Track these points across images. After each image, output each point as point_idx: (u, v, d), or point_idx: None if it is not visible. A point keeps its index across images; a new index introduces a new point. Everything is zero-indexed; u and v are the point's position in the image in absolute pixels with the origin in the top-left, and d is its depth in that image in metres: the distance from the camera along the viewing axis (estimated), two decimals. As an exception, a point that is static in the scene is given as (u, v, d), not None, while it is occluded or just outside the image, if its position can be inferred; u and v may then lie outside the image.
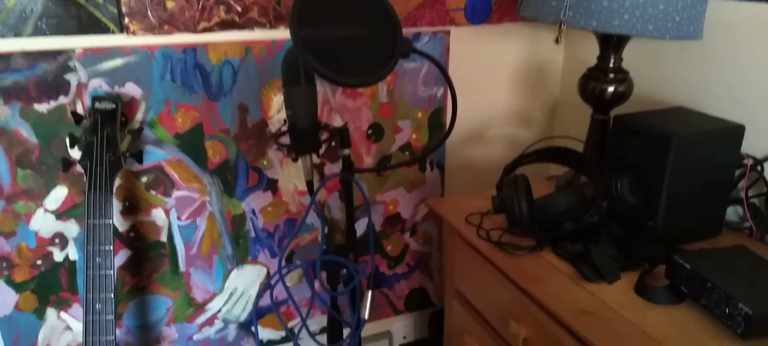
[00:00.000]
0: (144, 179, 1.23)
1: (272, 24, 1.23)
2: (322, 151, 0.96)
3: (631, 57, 1.31)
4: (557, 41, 1.04)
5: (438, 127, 1.49)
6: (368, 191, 1.47)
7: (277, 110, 1.30)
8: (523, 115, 1.61)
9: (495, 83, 1.54)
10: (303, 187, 1.39)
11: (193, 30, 1.17)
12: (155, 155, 1.23)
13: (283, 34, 1.25)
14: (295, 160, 1.00)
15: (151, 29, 1.14)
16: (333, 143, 1.00)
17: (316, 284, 1.44)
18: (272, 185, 1.36)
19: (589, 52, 1.48)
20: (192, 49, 1.19)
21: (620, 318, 0.83)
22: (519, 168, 1.14)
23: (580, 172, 1.17)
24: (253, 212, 1.36)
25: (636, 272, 0.94)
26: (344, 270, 1.04)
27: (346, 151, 0.98)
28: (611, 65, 1.16)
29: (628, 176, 1.07)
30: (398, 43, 0.81)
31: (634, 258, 0.97)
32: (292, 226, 1.41)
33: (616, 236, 1.04)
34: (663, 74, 1.27)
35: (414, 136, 1.47)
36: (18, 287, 1.20)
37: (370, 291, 0.94)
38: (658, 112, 1.09)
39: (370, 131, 1.41)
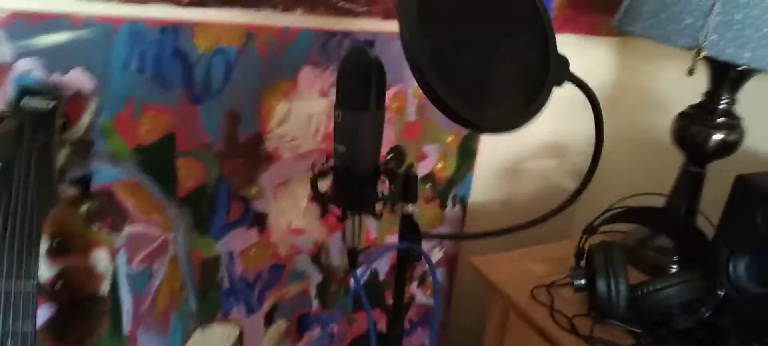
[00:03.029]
0: (84, 208, 0.90)
1: (287, 5, 0.94)
2: (379, 209, 0.70)
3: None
4: (691, 73, 0.84)
5: (468, 155, 1.26)
6: (378, 232, 1.21)
7: (278, 123, 1.01)
8: (562, 147, 1.41)
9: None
10: (298, 223, 1.11)
11: (178, 2, 0.86)
12: (104, 175, 0.90)
13: (299, 20, 0.97)
14: (341, 220, 0.72)
15: (115, -7, 0.82)
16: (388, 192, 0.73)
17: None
18: (260, 221, 1.06)
19: (651, 80, 1.31)
20: (173, 29, 0.87)
21: None
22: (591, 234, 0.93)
23: (684, 248, 0.96)
24: (231, 255, 1.06)
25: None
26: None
27: (411, 208, 0.72)
28: (722, 106, 0.98)
29: (748, 256, 0.89)
30: (553, 62, 0.56)
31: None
32: (278, 274, 1.13)
33: (730, 334, 0.86)
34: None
35: (440, 165, 1.23)
36: None
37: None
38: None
39: (389, 156, 1.14)
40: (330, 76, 1.03)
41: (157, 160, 0.93)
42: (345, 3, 1.00)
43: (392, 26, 1.05)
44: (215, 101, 0.94)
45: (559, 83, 0.57)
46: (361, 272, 1.21)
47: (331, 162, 0.71)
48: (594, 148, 0.62)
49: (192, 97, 0.92)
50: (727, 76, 0.95)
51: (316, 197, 0.71)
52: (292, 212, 1.09)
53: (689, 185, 1.03)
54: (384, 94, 0.66)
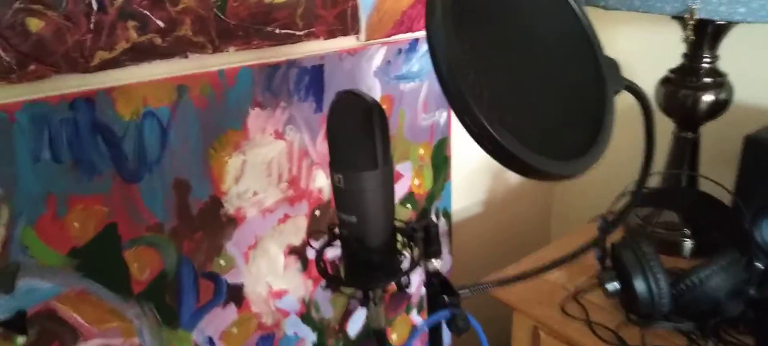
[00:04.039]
0: (20, 342, 0.70)
1: (216, 45, 0.77)
2: (406, 281, 0.54)
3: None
4: (688, 38, 0.73)
5: (443, 163, 1.12)
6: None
7: (234, 180, 0.84)
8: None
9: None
10: (279, 284, 0.94)
11: (85, 67, 0.68)
12: (38, 294, 0.70)
13: (235, 58, 0.80)
14: (363, 303, 0.57)
15: (3, 73, 0.62)
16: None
17: None
18: (235, 294, 0.89)
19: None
20: (86, 101, 0.69)
21: None
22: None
23: (721, 225, 0.84)
24: (211, 341, 0.88)
25: None
26: None
27: (437, 264, 0.57)
28: (705, 65, 0.88)
29: (775, 218, 0.79)
30: (605, 68, 0.43)
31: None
32: None
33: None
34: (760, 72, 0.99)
35: (417, 181, 1.08)
36: None
37: None
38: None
39: (364, 186, 1.00)
40: (282, 114, 0.87)
41: (100, 259, 0.74)
42: (282, 29, 0.83)
43: (338, 44, 0.90)
44: (155, 174, 0.76)
45: (617, 92, 0.44)
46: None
47: (330, 230, 0.55)
48: (644, 156, 0.48)
49: (127, 175, 0.74)
50: (705, 33, 0.85)
51: (330, 282, 0.55)
52: (270, 274, 0.92)
53: (684, 152, 0.93)
54: (389, 143, 0.51)
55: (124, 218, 0.75)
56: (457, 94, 0.34)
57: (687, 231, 0.92)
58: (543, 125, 0.38)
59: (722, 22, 0.82)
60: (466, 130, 0.36)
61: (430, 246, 0.56)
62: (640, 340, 0.72)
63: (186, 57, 0.75)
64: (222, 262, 0.86)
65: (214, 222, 0.84)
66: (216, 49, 0.78)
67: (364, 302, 0.55)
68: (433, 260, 0.56)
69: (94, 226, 0.73)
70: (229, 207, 0.85)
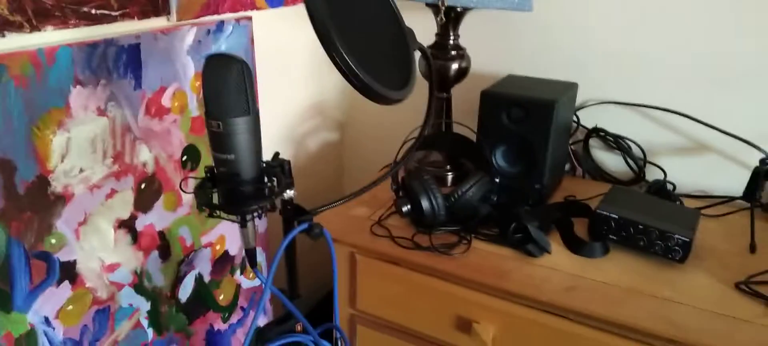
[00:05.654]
0: None
1: (34, 23, 0.78)
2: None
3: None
4: (442, 19, 0.99)
5: (253, 134, 1.24)
6: (192, 235, 1.13)
7: (60, 158, 0.85)
8: (321, 105, 1.49)
9: (296, 74, 1.38)
10: (111, 258, 0.97)
11: None
12: None
13: (52, 37, 0.81)
14: (243, 225, 0.68)
15: None
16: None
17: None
18: (69, 272, 0.90)
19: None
20: None
21: (597, 283, 0.88)
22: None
23: (471, 156, 1.14)
24: (47, 320, 0.88)
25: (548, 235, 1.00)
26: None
27: (290, 194, 0.71)
28: (452, 42, 1.17)
29: (502, 147, 1.11)
30: (408, 36, 0.62)
31: (546, 224, 1.03)
32: (105, 318, 0.98)
33: (509, 206, 1.09)
34: (487, 46, 1.34)
35: (231, 151, 1.19)
36: None
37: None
38: (508, 82, 1.17)
39: (185, 158, 1.07)
40: (103, 91, 0.90)
41: None
42: (97, 9, 0.87)
43: (152, 24, 0.96)
44: (-22, 156, 0.75)
45: (414, 50, 0.64)
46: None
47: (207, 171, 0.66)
48: (427, 108, 0.70)
49: (-53, 159, 0.71)
50: (450, 18, 1.14)
51: (212, 211, 0.65)
52: (102, 249, 0.95)
53: (442, 107, 1.22)
54: (255, 94, 0.64)
55: (-55, 204, 0.72)
56: (330, 42, 0.50)
57: (448, 167, 1.22)
58: (379, 65, 0.56)
59: (460, 9, 1.11)
60: (335, 66, 0.52)
61: (286, 179, 0.71)
62: (429, 242, 0.97)
63: (3, 36, 0.75)
64: (53, 240, 0.87)
65: (42, 201, 0.84)
66: (33, 29, 0.78)
67: (244, 224, 0.68)
68: (288, 191, 0.71)
69: None
70: (57, 185, 0.86)
